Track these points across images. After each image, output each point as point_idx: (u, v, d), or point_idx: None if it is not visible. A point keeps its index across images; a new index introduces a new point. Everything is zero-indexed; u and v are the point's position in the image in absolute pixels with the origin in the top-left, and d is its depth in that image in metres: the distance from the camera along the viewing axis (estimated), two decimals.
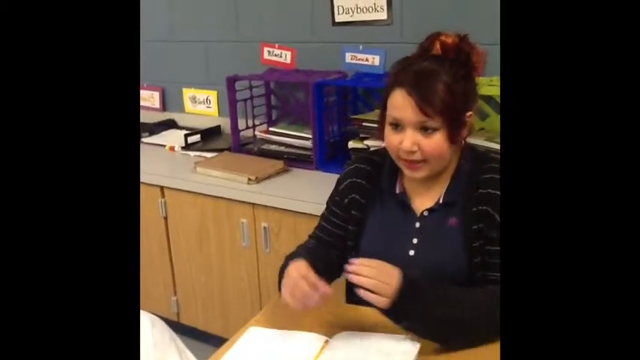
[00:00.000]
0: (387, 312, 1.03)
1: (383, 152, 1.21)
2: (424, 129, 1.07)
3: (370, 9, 2.02)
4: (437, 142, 1.08)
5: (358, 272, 1.01)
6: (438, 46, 1.11)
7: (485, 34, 1.81)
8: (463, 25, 1.85)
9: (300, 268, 1.06)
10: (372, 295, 1.00)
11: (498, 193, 1.09)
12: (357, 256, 1.21)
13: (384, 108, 1.13)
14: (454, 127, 1.08)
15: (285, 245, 1.82)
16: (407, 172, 1.14)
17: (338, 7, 2.09)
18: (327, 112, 2.02)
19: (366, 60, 2.04)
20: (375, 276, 1.00)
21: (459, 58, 1.10)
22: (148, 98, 2.75)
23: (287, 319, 1.15)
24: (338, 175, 1.87)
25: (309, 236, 1.32)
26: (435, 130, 1.07)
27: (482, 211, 1.11)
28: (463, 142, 1.17)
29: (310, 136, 2.01)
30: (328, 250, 1.26)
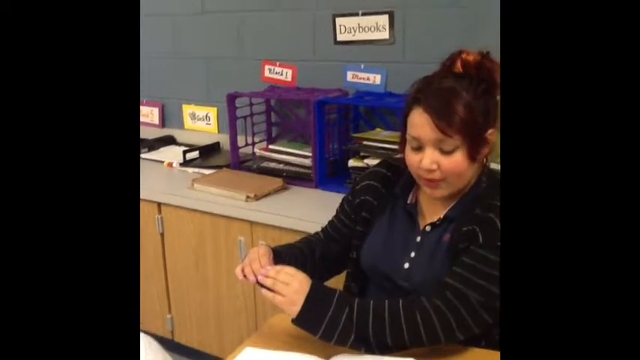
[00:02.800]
0: (299, 322, 1.04)
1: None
2: (443, 148, 1.06)
3: (372, 28, 2.02)
4: (456, 160, 1.07)
5: (264, 274, 1.07)
6: (459, 63, 1.10)
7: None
8: (464, 46, 1.86)
9: (260, 249, 1.18)
10: (269, 293, 1.05)
11: (493, 217, 1.07)
12: (358, 256, 1.25)
13: (404, 127, 1.13)
14: (474, 145, 1.07)
15: None
16: (427, 190, 1.13)
17: (340, 25, 2.09)
18: (327, 130, 2.00)
19: (368, 79, 2.04)
20: (274, 276, 1.06)
21: (480, 75, 1.09)
22: (148, 114, 2.74)
23: (284, 340, 1.12)
24: (337, 194, 1.86)
25: (321, 229, 1.37)
26: (454, 148, 1.06)
27: (470, 231, 1.09)
28: (485, 160, 1.15)
29: (310, 154, 1.99)
30: (328, 244, 1.31)
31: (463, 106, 1.04)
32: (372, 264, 1.22)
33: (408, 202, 1.20)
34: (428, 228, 1.16)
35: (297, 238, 1.71)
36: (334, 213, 1.35)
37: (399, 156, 1.23)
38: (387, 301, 1.05)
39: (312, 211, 1.76)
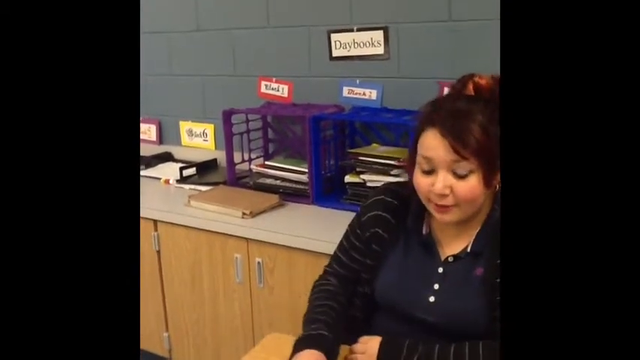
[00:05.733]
0: None
1: (412, 186, 1.12)
2: (458, 171, 1.02)
3: (367, 44, 2.02)
4: (471, 185, 1.02)
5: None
6: (471, 86, 1.07)
7: (482, 70, 1.81)
8: (459, 61, 1.86)
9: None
10: None
11: None
12: (372, 292, 1.18)
13: (414, 149, 1.08)
14: (490, 170, 1.02)
15: (280, 281, 1.79)
16: (437, 215, 1.08)
17: (335, 41, 2.09)
18: (323, 146, 2.00)
19: (363, 94, 2.04)
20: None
21: (494, 99, 1.03)
22: (145, 131, 2.74)
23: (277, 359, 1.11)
24: (334, 210, 1.84)
25: (326, 271, 1.27)
26: (469, 172, 1.01)
27: None
28: (497, 187, 1.09)
29: (306, 170, 1.98)
30: (345, 289, 1.23)
31: (480, 129, 0.99)
32: (390, 299, 1.16)
33: (423, 232, 1.15)
34: (450, 259, 1.12)
35: (294, 254, 1.72)
36: (337, 239, 1.28)
37: (398, 179, 1.20)
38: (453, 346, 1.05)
39: (308, 227, 1.75)
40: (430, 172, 1.04)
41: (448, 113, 1.02)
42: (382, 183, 1.42)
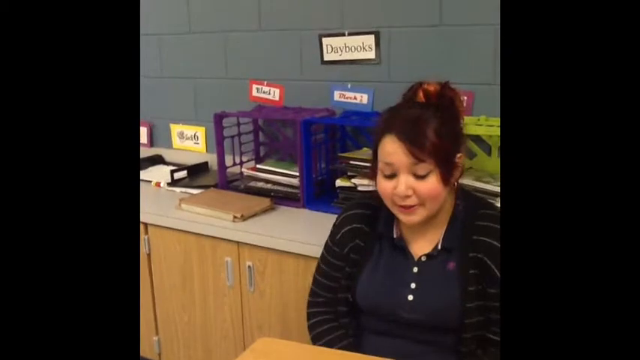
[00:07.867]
0: None
1: (379, 195, 1.19)
2: (418, 172, 1.08)
3: (359, 48, 2.03)
4: (431, 184, 1.08)
5: None
6: (421, 94, 1.14)
7: (472, 75, 1.83)
8: (450, 66, 1.87)
9: None
10: None
11: (494, 243, 1.09)
12: (354, 298, 1.22)
13: (375, 156, 1.14)
14: (446, 168, 1.09)
15: (270, 285, 1.78)
16: (402, 218, 1.14)
17: (327, 45, 2.10)
18: (314, 149, 2.00)
19: (355, 98, 2.04)
20: None
21: (443, 103, 1.12)
22: None
23: None
24: (325, 214, 1.84)
25: (314, 302, 1.31)
26: (428, 172, 1.08)
27: (478, 259, 1.11)
28: (456, 184, 1.17)
29: (297, 174, 1.98)
30: (337, 310, 1.28)
31: (433, 131, 1.07)
32: (372, 304, 1.21)
33: (395, 236, 1.21)
34: (424, 258, 1.17)
35: (284, 258, 1.72)
36: (323, 240, 1.33)
37: (371, 187, 1.24)
38: None
39: (299, 231, 1.75)
40: (392, 176, 1.10)
41: (403, 120, 1.09)
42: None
